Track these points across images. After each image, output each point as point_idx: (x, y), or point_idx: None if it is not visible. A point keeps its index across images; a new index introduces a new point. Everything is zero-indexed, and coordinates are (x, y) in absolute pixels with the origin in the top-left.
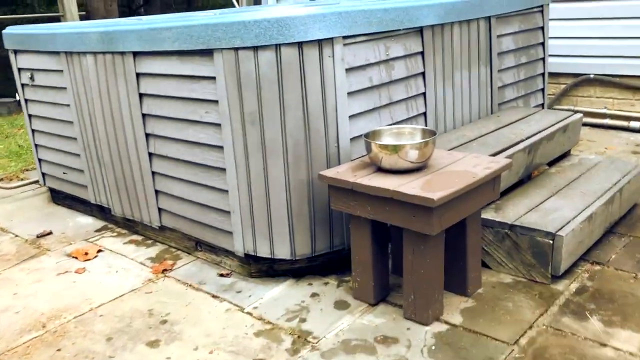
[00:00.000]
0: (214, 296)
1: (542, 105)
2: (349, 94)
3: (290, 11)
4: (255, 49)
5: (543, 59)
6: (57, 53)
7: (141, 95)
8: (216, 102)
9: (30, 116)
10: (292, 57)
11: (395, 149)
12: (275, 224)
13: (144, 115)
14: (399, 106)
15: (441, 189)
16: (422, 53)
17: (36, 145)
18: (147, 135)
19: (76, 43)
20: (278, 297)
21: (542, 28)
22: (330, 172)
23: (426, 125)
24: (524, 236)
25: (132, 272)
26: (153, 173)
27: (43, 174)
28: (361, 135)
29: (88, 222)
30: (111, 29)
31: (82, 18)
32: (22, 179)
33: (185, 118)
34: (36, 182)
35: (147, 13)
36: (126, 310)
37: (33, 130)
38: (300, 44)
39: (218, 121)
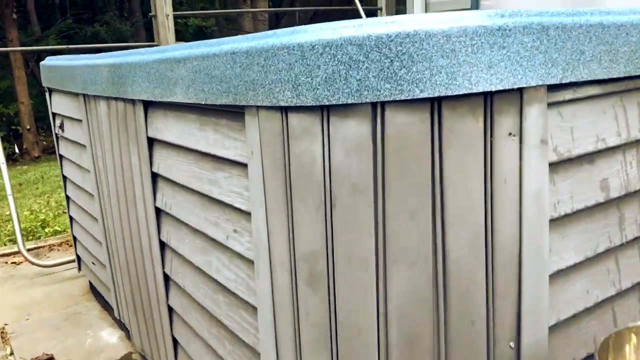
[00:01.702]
0: None
1: None
2: (555, 221)
3: (419, 21)
4: (325, 110)
5: None
6: (76, 95)
7: (155, 176)
8: (249, 215)
9: (64, 178)
10: (412, 133)
11: None
12: None
13: (157, 211)
14: None
15: None
16: None
17: (71, 218)
18: (163, 245)
19: (89, 81)
20: None
21: None
22: None
23: None
24: None
25: None
26: (170, 308)
27: (78, 257)
28: (572, 317)
29: (110, 341)
30: (119, 61)
31: None
32: None
33: (205, 233)
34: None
35: None
36: None
37: (67, 197)
38: (437, 103)
39: (252, 256)
